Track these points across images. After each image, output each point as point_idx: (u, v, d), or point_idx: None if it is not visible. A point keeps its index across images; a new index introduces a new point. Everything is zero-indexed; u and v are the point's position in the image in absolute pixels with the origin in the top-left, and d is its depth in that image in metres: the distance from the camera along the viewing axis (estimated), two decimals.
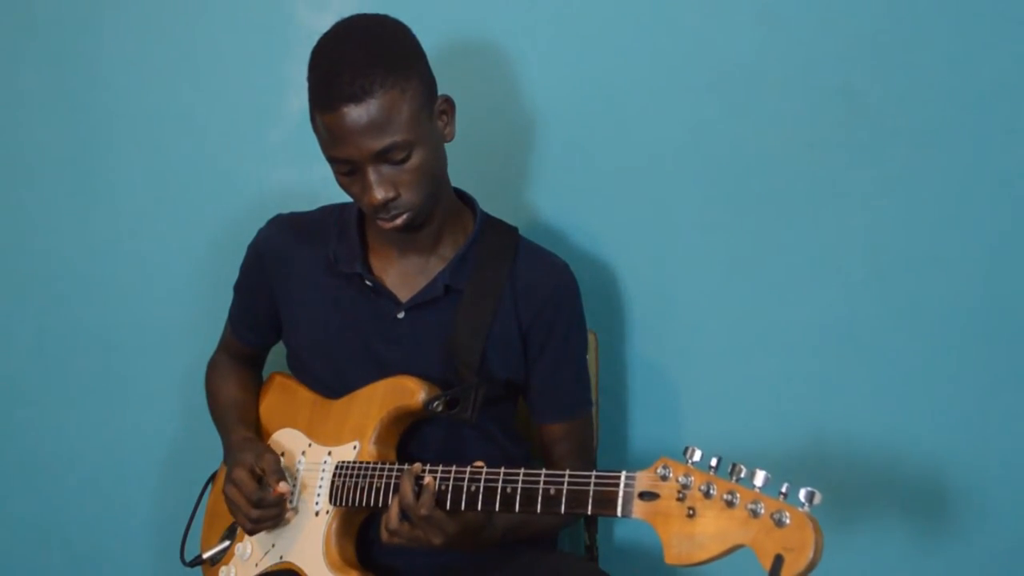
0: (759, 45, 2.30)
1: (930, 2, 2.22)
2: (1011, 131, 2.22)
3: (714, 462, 1.61)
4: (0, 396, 2.75)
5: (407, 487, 1.86)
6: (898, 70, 2.25)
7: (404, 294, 2.09)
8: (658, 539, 1.61)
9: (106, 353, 2.68)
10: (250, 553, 2.13)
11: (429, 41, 2.02)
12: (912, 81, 2.24)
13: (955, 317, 2.27)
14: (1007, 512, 2.30)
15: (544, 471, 1.78)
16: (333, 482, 2.02)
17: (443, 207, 2.07)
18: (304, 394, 2.18)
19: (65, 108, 2.62)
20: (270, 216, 2.22)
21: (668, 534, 1.61)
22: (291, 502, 2.05)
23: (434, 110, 1.99)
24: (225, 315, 2.31)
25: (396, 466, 1.96)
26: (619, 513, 1.67)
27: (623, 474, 1.68)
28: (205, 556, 2.21)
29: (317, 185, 2.42)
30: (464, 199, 2.15)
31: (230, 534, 2.18)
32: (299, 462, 2.10)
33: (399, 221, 1.97)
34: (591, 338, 2.30)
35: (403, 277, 2.11)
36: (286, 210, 2.23)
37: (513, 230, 2.15)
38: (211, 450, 2.36)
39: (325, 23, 2.01)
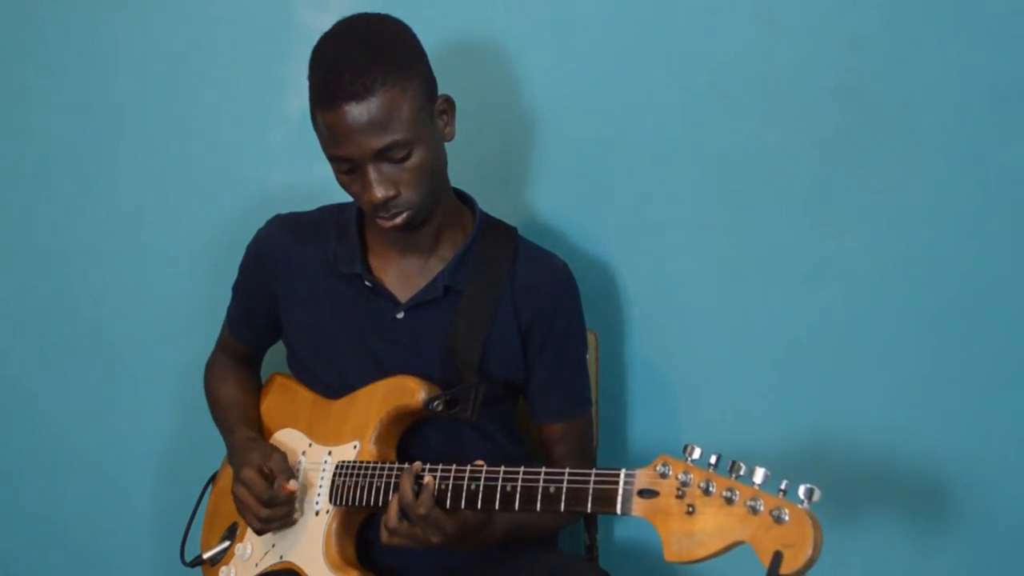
0: (759, 45, 2.30)
1: (930, 2, 2.22)
2: (1011, 131, 2.21)
3: (713, 459, 1.61)
4: (0, 396, 2.75)
5: (407, 486, 1.86)
6: (898, 70, 2.25)
7: (404, 294, 2.09)
8: (658, 538, 1.61)
9: (106, 353, 2.68)
10: (250, 553, 2.13)
11: (429, 41, 2.02)
12: (912, 81, 2.24)
13: (955, 317, 2.27)
14: (1006, 511, 2.29)
15: (544, 469, 1.78)
16: (333, 482, 2.02)
17: (443, 207, 2.08)
18: (304, 394, 2.18)
19: (65, 108, 2.62)
20: (270, 216, 2.22)
21: (667, 531, 1.61)
22: (298, 502, 2.05)
23: (434, 109, 1.99)
24: (225, 315, 2.31)
25: (396, 466, 1.96)
26: (618, 511, 1.67)
27: (622, 472, 1.68)
28: (205, 556, 2.21)
29: (317, 185, 2.42)
30: (463, 199, 2.16)
31: (230, 534, 2.19)
32: (299, 462, 2.10)
33: (399, 220, 1.97)
34: (591, 338, 2.30)
35: (402, 277, 2.11)
36: (286, 210, 2.23)
37: (512, 230, 2.15)
38: (211, 450, 2.36)
39: (325, 23, 2.01)
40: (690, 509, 1.59)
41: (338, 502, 2.01)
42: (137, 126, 2.60)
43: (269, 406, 2.25)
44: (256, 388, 2.32)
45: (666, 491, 1.62)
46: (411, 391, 2.02)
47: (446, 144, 2.04)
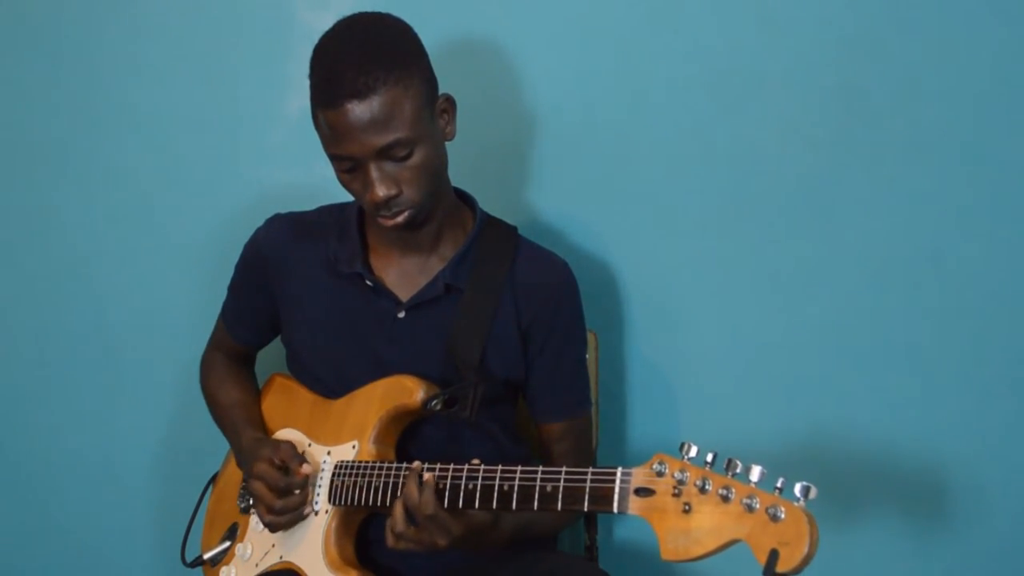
0: (759, 45, 2.30)
1: (930, 2, 2.22)
2: (1011, 131, 2.21)
3: (710, 458, 1.60)
4: (1, 396, 2.75)
5: (412, 487, 1.86)
6: (898, 70, 2.25)
7: (404, 293, 2.09)
8: (656, 539, 1.61)
9: (106, 353, 2.68)
10: (250, 553, 2.13)
11: (429, 40, 2.02)
12: (912, 81, 2.24)
13: (954, 316, 2.27)
14: (1003, 510, 2.29)
15: (540, 468, 1.78)
16: (332, 481, 2.02)
17: (443, 206, 2.08)
18: (304, 394, 2.18)
19: (65, 108, 2.62)
20: (270, 216, 2.22)
21: (664, 530, 1.60)
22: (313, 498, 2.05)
23: (435, 108, 1.99)
24: (220, 313, 2.32)
25: (395, 465, 1.96)
26: (615, 509, 1.67)
27: (619, 470, 1.68)
28: (206, 557, 2.20)
29: (317, 185, 2.42)
30: (464, 198, 2.16)
31: (231, 534, 2.19)
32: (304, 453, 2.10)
33: (400, 219, 1.98)
34: (591, 338, 2.30)
35: (403, 276, 2.11)
36: (286, 210, 2.23)
37: (512, 229, 2.15)
38: (211, 450, 2.36)
39: (325, 23, 2.01)
40: (686, 507, 1.59)
41: (337, 502, 2.01)
42: (137, 126, 2.60)
43: (269, 406, 2.25)
44: (254, 387, 2.32)
45: (662, 489, 1.62)
46: (410, 390, 2.02)
47: (447, 143, 2.03)
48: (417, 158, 1.94)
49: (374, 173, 1.93)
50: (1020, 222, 2.23)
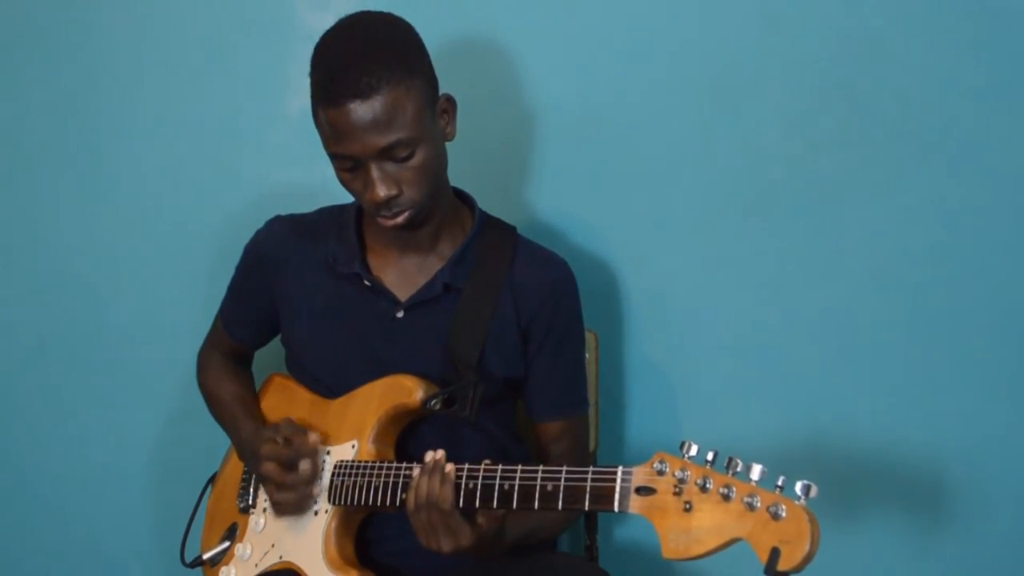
0: (759, 45, 2.30)
1: (930, 2, 2.22)
2: (1011, 131, 2.22)
3: (710, 456, 1.61)
4: (1, 396, 2.75)
5: (435, 480, 1.85)
6: (898, 70, 2.25)
7: (403, 293, 2.09)
8: (658, 539, 1.61)
9: (106, 353, 2.68)
10: (250, 553, 2.13)
11: (428, 39, 2.02)
12: (912, 81, 2.24)
13: (954, 316, 2.27)
14: (1003, 509, 2.29)
15: (541, 467, 1.77)
16: (332, 481, 2.02)
17: (442, 206, 2.08)
18: (303, 394, 2.18)
19: (64, 108, 2.62)
20: (270, 216, 2.22)
21: (665, 528, 1.60)
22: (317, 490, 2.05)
23: (436, 109, 1.99)
24: (218, 311, 2.32)
25: (395, 465, 1.95)
26: (616, 508, 1.67)
27: (620, 469, 1.68)
28: (205, 557, 2.20)
29: (317, 185, 2.42)
30: (462, 198, 2.16)
31: (230, 535, 2.18)
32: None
33: (400, 219, 1.97)
34: (591, 338, 2.30)
35: (402, 276, 2.11)
36: (286, 210, 2.23)
37: (512, 229, 2.15)
38: (211, 450, 2.36)
39: (325, 23, 2.01)
40: (687, 506, 1.59)
41: (337, 501, 2.00)
42: (137, 126, 2.59)
43: (268, 406, 2.25)
44: (252, 383, 2.32)
45: (663, 488, 1.62)
46: (409, 390, 2.02)
47: (446, 143, 2.03)
48: (418, 158, 1.94)
49: (375, 173, 1.93)
50: (1020, 222, 2.23)
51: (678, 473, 1.61)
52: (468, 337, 2.06)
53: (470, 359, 2.05)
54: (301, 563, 2.04)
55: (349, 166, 1.95)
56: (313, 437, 2.04)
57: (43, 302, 2.69)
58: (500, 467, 1.81)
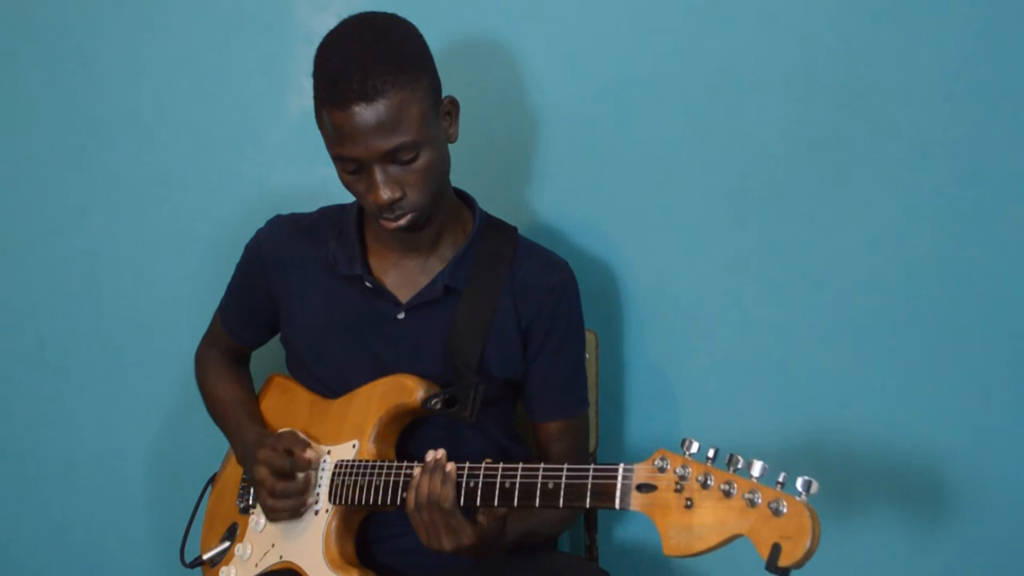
0: (759, 45, 2.30)
1: (930, 2, 2.22)
2: (1011, 131, 2.21)
3: (711, 453, 1.60)
4: (1, 396, 2.75)
5: (436, 479, 1.85)
6: (898, 70, 2.25)
7: (404, 294, 2.09)
8: (658, 538, 1.61)
9: (106, 353, 2.68)
10: (250, 553, 2.13)
11: (430, 40, 2.02)
12: (912, 81, 2.24)
13: (955, 316, 2.27)
14: (1003, 508, 2.29)
15: (542, 465, 1.77)
16: (332, 481, 2.02)
17: (444, 208, 2.08)
18: (303, 395, 2.18)
19: (64, 108, 2.62)
20: (270, 216, 2.22)
21: (666, 525, 1.60)
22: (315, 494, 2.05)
23: (440, 111, 1.99)
24: (217, 311, 2.32)
25: (395, 464, 1.95)
26: (617, 505, 1.66)
27: (621, 466, 1.67)
28: (205, 557, 2.20)
29: (317, 185, 2.43)
30: (463, 199, 2.16)
31: (230, 535, 2.18)
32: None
33: (403, 221, 1.97)
34: (591, 338, 2.30)
35: (403, 277, 2.11)
36: (286, 210, 2.23)
37: (512, 229, 2.15)
38: (211, 450, 2.37)
39: (325, 23, 2.02)
40: (688, 503, 1.59)
41: (337, 501, 2.00)
42: (137, 126, 2.60)
43: (268, 406, 2.25)
44: (251, 384, 2.32)
45: (664, 485, 1.62)
46: (409, 390, 2.02)
47: (449, 145, 2.03)
48: (422, 161, 1.94)
49: (379, 176, 1.93)
50: (1020, 222, 2.23)
51: (679, 470, 1.61)
52: (469, 338, 2.06)
53: (471, 360, 2.05)
54: (301, 563, 2.03)
55: (352, 168, 1.95)
56: (311, 452, 2.04)
57: (43, 302, 2.70)
58: (501, 466, 1.81)
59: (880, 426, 2.31)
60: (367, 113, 1.88)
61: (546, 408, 2.15)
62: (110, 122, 2.61)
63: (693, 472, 1.60)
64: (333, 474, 2.02)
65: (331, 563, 2.00)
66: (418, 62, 1.95)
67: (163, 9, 2.55)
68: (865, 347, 2.31)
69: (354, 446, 2.03)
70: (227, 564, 2.16)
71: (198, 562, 2.22)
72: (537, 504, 1.76)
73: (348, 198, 2.06)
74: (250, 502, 2.16)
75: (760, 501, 1.53)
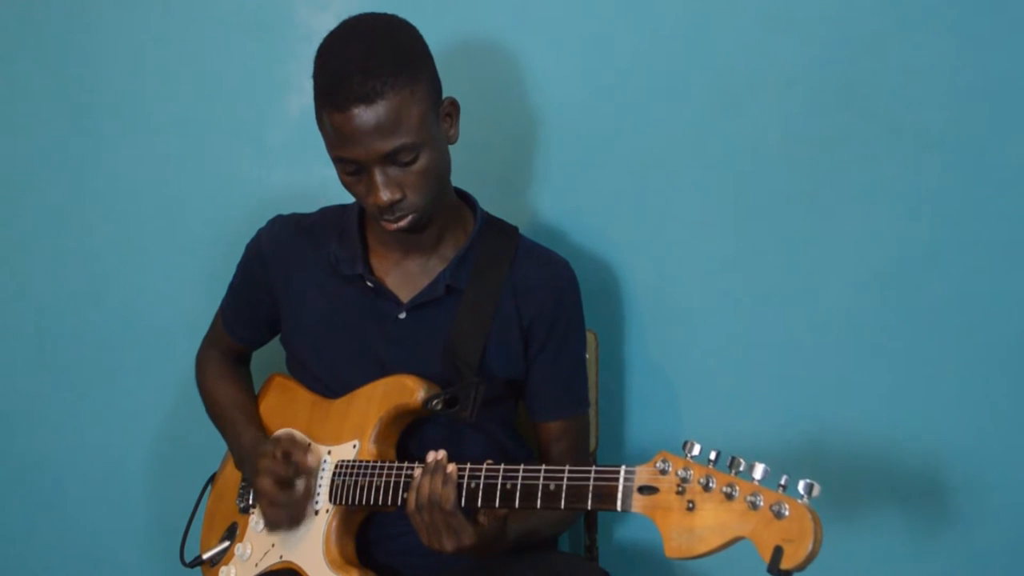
0: (760, 45, 2.30)
1: (930, 2, 2.22)
2: (1012, 131, 2.21)
3: (713, 456, 1.60)
4: (0, 396, 2.75)
5: (437, 480, 1.85)
6: (898, 70, 2.25)
7: (405, 294, 2.09)
8: (658, 538, 1.61)
9: (106, 353, 2.68)
10: (250, 553, 2.13)
11: (430, 41, 2.02)
12: (912, 81, 2.24)
13: (955, 316, 2.27)
14: (1005, 510, 2.29)
15: (544, 467, 1.77)
16: (333, 481, 2.02)
17: (445, 208, 2.08)
18: (304, 395, 2.18)
19: (65, 108, 2.62)
20: (270, 216, 2.22)
21: (668, 527, 1.60)
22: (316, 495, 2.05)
23: (440, 112, 1.99)
24: (218, 311, 2.31)
25: (396, 465, 1.95)
26: (619, 507, 1.66)
27: (622, 468, 1.67)
28: (205, 557, 2.20)
29: (317, 185, 2.43)
30: (464, 199, 2.15)
31: (230, 534, 2.18)
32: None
33: (404, 223, 1.97)
34: (591, 338, 2.30)
35: (404, 277, 2.11)
36: (286, 210, 2.23)
37: (513, 229, 2.15)
38: (211, 450, 2.36)
39: (325, 23, 2.02)
40: (690, 505, 1.59)
41: (338, 501, 2.00)
42: (137, 126, 2.59)
43: (268, 406, 2.25)
44: (251, 385, 2.32)
45: (666, 487, 1.62)
46: (410, 390, 2.01)
47: (449, 146, 2.03)
48: (422, 162, 1.94)
49: (379, 177, 1.93)
50: (1020, 222, 2.23)
51: (681, 472, 1.61)
52: (470, 338, 2.06)
53: (472, 360, 2.05)
54: (302, 563, 2.03)
55: (352, 170, 1.95)
56: (312, 457, 2.04)
57: (43, 302, 2.70)
58: (502, 467, 1.81)
59: (880, 426, 2.31)
60: (367, 115, 1.88)
61: (547, 408, 2.15)
62: (110, 122, 2.60)
63: (695, 474, 1.60)
64: (333, 474, 2.02)
65: (331, 563, 2.00)
66: (418, 63, 1.95)
67: (163, 9, 2.55)
68: (866, 347, 2.31)
69: (355, 446, 2.03)
70: (227, 564, 2.16)
71: (198, 562, 2.22)
72: (538, 506, 1.76)
73: (348, 198, 2.06)
74: (250, 502, 2.16)
75: (762, 504, 1.54)
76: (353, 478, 1.99)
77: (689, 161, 2.36)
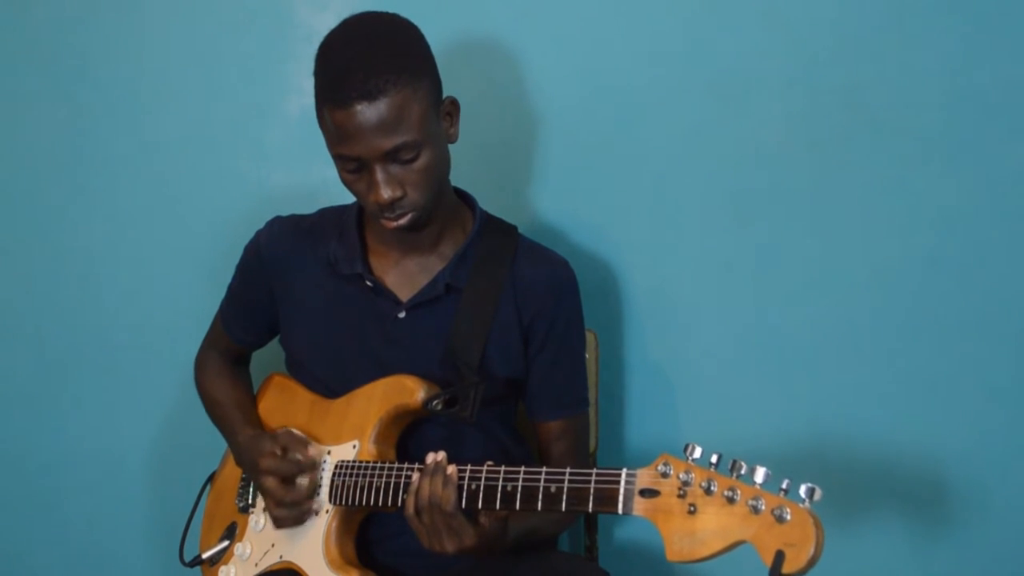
0: (759, 45, 2.30)
1: (930, 2, 2.22)
2: (1011, 131, 2.21)
3: (714, 459, 1.60)
4: (0, 396, 2.75)
5: (437, 482, 1.85)
6: (898, 70, 2.25)
7: (405, 294, 2.09)
8: (658, 538, 1.61)
9: (106, 353, 2.68)
10: (250, 553, 2.13)
11: (430, 40, 2.02)
12: (912, 81, 2.24)
13: (955, 317, 2.27)
14: (1006, 511, 2.29)
15: (544, 469, 1.77)
16: (333, 481, 2.02)
17: (444, 207, 2.08)
18: (303, 394, 2.17)
19: (65, 108, 2.62)
20: (270, 216, 2.21)
21: (669, 531, 1.60)
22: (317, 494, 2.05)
23: (441, 111, 1.99)
24: (217, 312, 2.31)
25: (396, 465, 1.95)
26: (620, 510, 1.66)
27: (624, 471, 1.67)
28: (204, 556, 2.20)
29: (317, 185, 2.43)
30: (464, 198, 2.16)
31: (229, 534, 2.18)
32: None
33: (403, 221, 1.97)
34: (591, 337, 2.30)
35: (403, 277, 2.11)
36: (286, 211, 2.22)
37: (513, 228, 2.15)
38: (210, 450, 2.36)
39: (325, 23, 2.02)
40: (692, 508, 1.59)
41: (337, 501, 2.01)
42: (137, 126, 2.59)
43: (268, 406, 2.25)
44: (249, 385, 2.32)
45: (668, 491, 1.62)
46: (410, 390, 2.02)
47: (449, 145, 2.03)
48: (423, 161, 1.94)
49: (379, 175, 1.93)
50: (1020, 222, 2.23)
51: (682, 475, 1.61)
52: (469, 337, 2.06)
53: (471, 359, 2.05)
54: (301, 563, 2.04)
55: (353, 167, 1.95)
56: (312, 451, 2.04)
57: (43, 302, 2.69)
58: (503, 468, 1.81)
59: (881, 427, 2.31)
60: (369, 112, 1.88)
61: (546, 407, 2.15)
62: (110, 122, 2.60)
63: (696, 478, 1.60)
64: (333, 474, 2.02)
65: (331, 563, 2.00)
66: (419, 62, 1.95)
67: (163, 9, 2.55)
68: (866, 347, 2.31)
69: (354, 446, 2.03)
70: (226, 563, 2.17)
71: (197, 561, 2.22)
72: (539, 508, 1.76)
73: (348, 198, 2.06)
74: (250, 501, 2.17)
75: (764, 508, 1.54)
76: (353, 479, 1.99)
77: (689, 161, 2.36)
